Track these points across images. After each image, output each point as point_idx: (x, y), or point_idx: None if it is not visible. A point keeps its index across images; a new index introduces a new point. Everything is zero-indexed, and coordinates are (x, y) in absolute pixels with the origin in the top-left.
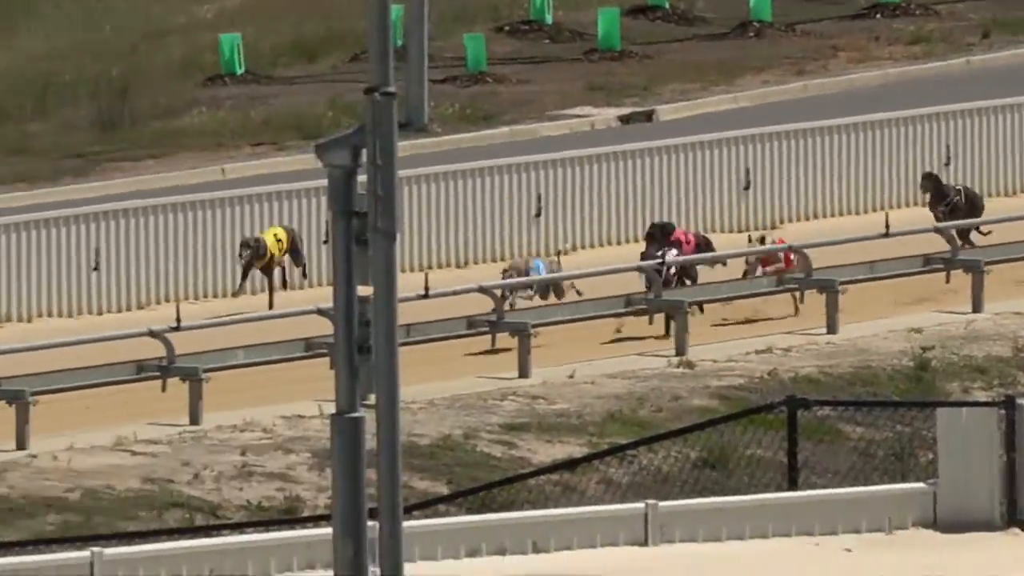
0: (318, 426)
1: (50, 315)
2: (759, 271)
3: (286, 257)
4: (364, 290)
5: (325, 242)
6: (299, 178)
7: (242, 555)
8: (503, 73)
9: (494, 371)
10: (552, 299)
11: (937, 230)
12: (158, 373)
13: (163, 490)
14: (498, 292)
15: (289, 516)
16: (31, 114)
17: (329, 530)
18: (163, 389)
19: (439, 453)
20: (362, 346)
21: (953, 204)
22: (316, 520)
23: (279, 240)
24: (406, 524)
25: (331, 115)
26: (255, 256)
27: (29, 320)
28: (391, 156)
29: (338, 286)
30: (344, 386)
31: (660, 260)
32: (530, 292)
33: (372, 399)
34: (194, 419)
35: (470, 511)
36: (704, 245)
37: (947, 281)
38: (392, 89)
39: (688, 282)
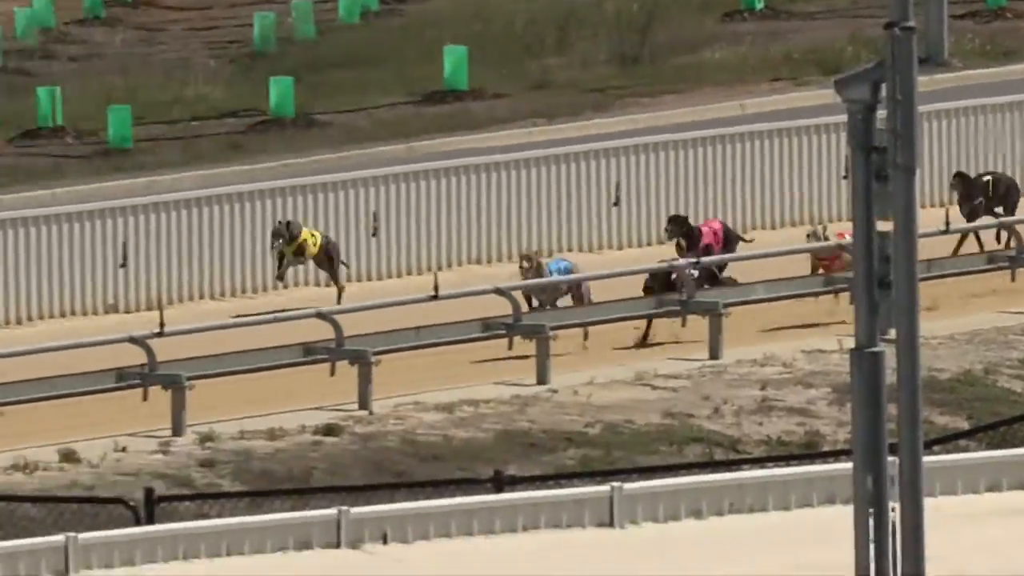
0: (837, 361)
1: (570, 249)
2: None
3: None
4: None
5: (844, 178)
6: (818, 114)
7: (762, 490)
8: (1023, 9)
9: (1015, 306)
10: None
11: None
12: (678, 308)
13: (683, 425)
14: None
15: (809, 451)
16: (552, 49)
17: (849, 465)
18: (683, 324)
19: (959, 388)
20: (882, 281)
21: (973, 208)
22: (836, 455)
23: (313, 235)
24: (926, 459)
25: (851, 50)
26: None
27: (549, 255)
28: (911, 91)
29: (857, 221)
30: (864, 321)
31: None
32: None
33: (892, 334)
34: (714, 354)
35: (990, 446)
36: (734, 238)
37: None
38: (912, 24)
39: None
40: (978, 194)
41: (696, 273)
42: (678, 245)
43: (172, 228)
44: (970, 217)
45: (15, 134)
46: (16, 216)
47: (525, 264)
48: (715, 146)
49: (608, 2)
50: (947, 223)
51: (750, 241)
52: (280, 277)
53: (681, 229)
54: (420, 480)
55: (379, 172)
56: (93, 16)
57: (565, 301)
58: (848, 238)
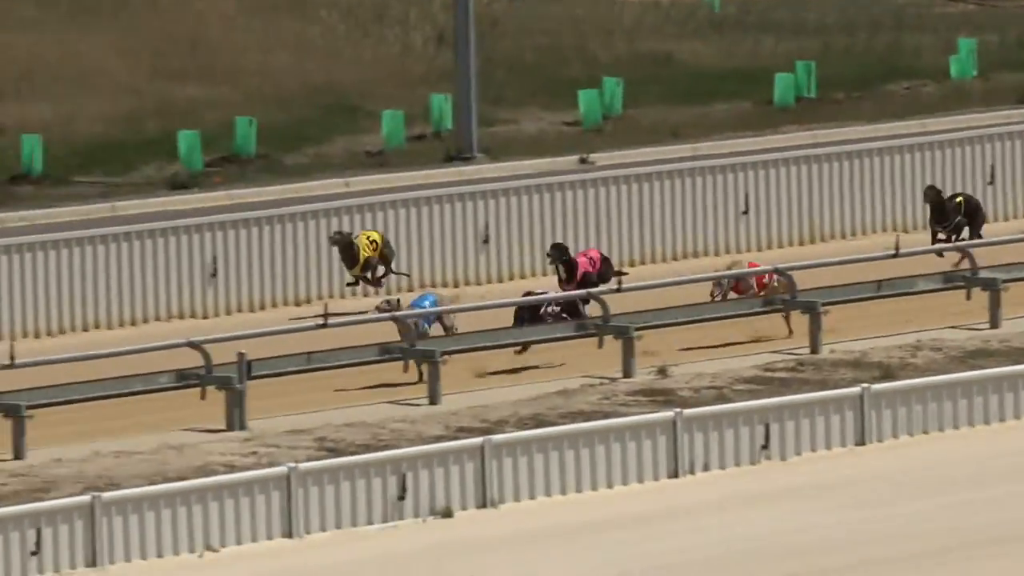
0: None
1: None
2: (730, 295)
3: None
4: None
5: None
6: None
7: None
8: None
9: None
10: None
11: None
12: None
13: None
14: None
15: None
16: None
17: None
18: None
19: None
20: None
21: (955, 225)
22: None
23: (372, 241)
24: None
25: None
26: (344, 252)
27: None
28: None
29: None
30: None
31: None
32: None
33: None
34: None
35: None
36: (610, 267)
37: None
38: None
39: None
40: (954, 214)
41: (557, 308)
42: (557, 273)
43: None
44: (955, 231)
45: None
46: None
47: (384, 306)
48: None
49: None
50: (896, 248)
51: (626, 273)
52: (379, 284)
53: (561, 257)
54: None
55: None
56: None
57: (437, 330)
58: (759, 267)
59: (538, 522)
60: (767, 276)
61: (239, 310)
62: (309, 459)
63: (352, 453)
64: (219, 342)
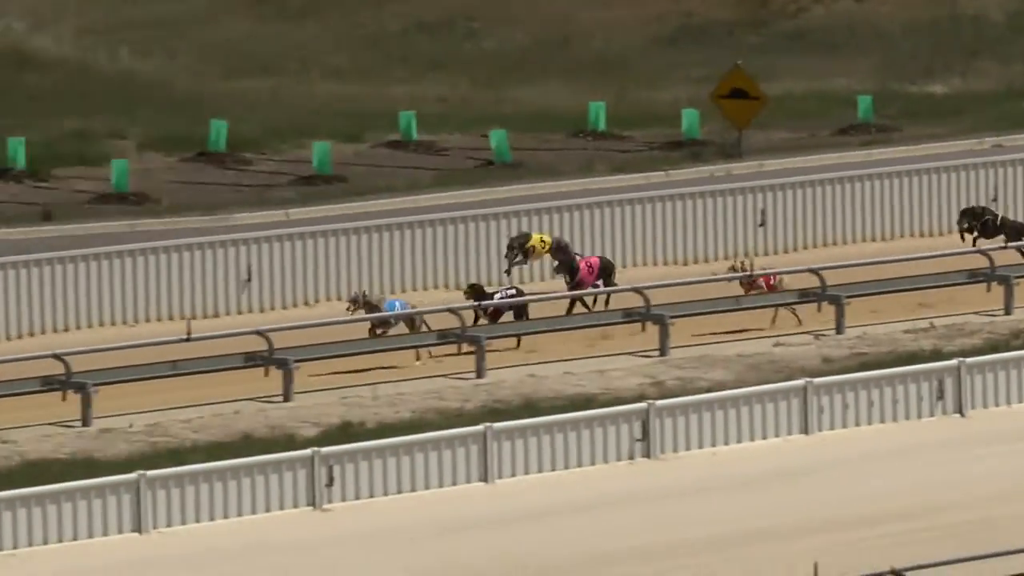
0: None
1: None
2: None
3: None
4: None
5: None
6: None
7: None
8: None
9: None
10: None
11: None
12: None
13: None
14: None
15: None
16: None
17: None
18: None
19: None
20: None
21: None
22: None
23: (544, 242)
24: None
25: None
26: (522, 252)
27: None
28: None
29: None
30: None
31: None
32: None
33: None
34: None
35: None
36: (611, 271)
37: None
38: None
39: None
40: (995, 230)
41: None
42: (563, 274)
43: None
44: (980, 238)
45: None
46: None
47: (352, 307)
48: None
49: None
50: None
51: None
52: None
53: (564, 260)
54: None
55: None
56: None
57: (400, 329)
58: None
59: None
60: (773, 277)
61: None
62: None
63: None
64: None
